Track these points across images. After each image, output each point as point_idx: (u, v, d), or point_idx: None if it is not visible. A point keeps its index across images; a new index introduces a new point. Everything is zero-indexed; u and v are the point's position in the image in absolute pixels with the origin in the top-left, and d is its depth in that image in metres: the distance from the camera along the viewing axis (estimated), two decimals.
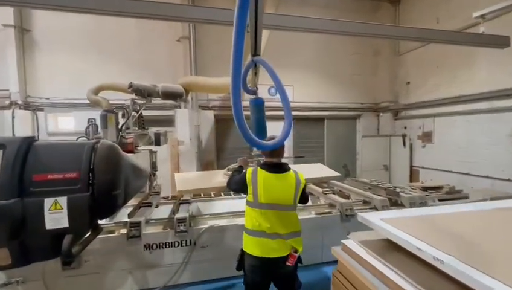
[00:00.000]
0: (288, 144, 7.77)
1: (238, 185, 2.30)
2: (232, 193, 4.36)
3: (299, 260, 2.21)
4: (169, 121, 6.55)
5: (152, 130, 4.58)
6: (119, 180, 2.21)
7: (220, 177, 3.98)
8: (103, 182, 2.04)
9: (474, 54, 5.65)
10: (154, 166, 4.86)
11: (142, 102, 4.42)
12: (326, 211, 3.95)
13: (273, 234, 2.04)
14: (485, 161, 5.46)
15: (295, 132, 7.79)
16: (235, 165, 3.19)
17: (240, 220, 3.59)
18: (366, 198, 4.26)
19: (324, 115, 7.92)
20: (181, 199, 4.02)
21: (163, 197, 4.75)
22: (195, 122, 6.37)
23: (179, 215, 3.22)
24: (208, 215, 3.65)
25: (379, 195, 4.27)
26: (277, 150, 2.21)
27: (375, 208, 4.01)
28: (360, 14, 7.60)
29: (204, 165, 6.78)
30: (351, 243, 1.69)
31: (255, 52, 3.53)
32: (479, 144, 5.57)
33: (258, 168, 2.21)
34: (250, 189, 2.12)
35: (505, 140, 5.07)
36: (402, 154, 7.35)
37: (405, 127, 7.53)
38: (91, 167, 2.00)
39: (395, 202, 4.15)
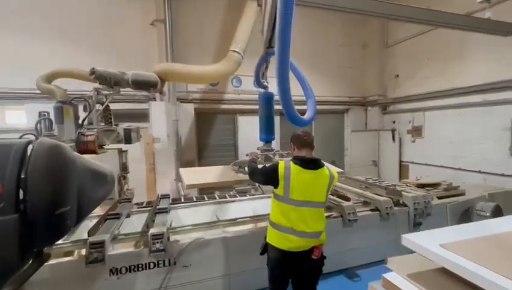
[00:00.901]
0: (276, 140, 7.31)
1: (264, 177, 2.26)
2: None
3: (323, 256, 2.16)
4: (143, 116, 5.80)
5: (122, 126, 3.88)
6: (66, 192, 1.57)
7: (229, 171, 3.68)
8: (41, 198, 1.40)
9: (466, 45, 5.50)
10: (124, 167, 4.16)
11: (108, 92, 3.72)
12: (325, 215, 3.52)
13: (301, 232, 2.01)
14: (477, 155, 5.35)
15: (283, 127, 7.33)
16: (242, 161, 3.44)
17: (232, 230, 3.07)
18: (367, 198, 3.91)
19: None
20: (157, 206, 3.40)
21: (137, 204, 4.08)
22: (173, 117, 5.68)
23: (154, 230, 2.62)
24: (190, 227, 3.06)
25: (379, 195, 3.94)
26: (308, 143, 2.17)
27: (377, 210, 3.66)
28: None
29: (184, 164, 6.12)
30: (395, 277, 1.23)
31: (270, 43, 3.01)
32: (471, 139, 5.45)
33: (291, 163, 2.08)
34: (282, 184, 2.02)
35: (498, 134, 4.96)
36: (391, 149, 7.18)
37: (394, 122, 7.36)
38: (21, 177, 1.36)
39: (396, 202, 3.84)
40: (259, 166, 2.46)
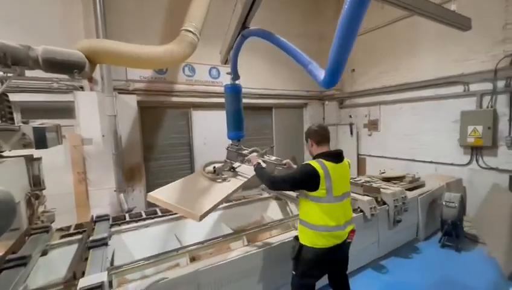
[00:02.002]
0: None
1: (298, 184, 2.03)
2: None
3: None
4: (66, 111, 4.46)
5: (31, 124, 2.72)
6: None
7: (204, 182, 2.70)
8: None
9: (418, 41, 5.73)
10: (37, 182, 2.96)
11: (4, 75, 2.55)
12: None
13: (344, 224, 2.07)
14: (429, 146, 5.66)
15: (250, 122, 6.70)
16: (213, 164, 2.85)
17: (204, 259, 2.33)
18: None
19: (272, 103, 7.09)
20: (91, 237, 2.42)
21: (61, 230, 2.97)
22: (108, 111, 4.49)
23: (86, 280, 1.73)
24: (143, 261, 2.22)
25: (356, 193, 3.69)
26: (328, 137, 2.19)
27: (360, 211, 3.37)
28: None
29: (128, 169, 4.99)
30: None
31: (244, 24, 2.59)
32: (424, 131, 5.74)
33: (323, 160, 2.02)
34: (323, 185, 1.96)
35: (448, 126, 5.28)
36: (349, 143, 7.26)
37: (350, 116, 7.45)
38: None
39: (375, 200, 3.64)
40: (268, 171, 2.33)
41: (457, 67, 5.08)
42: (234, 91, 2.81)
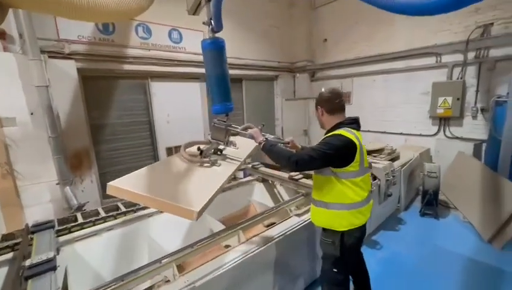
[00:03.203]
0: (203, 111, 5.91)
1: (331, 158, 1.66)
2: None
3: None
4: None
5: None
6: None
7: (188, 167, 1.98)
8: None
9: None
10: None
11: None
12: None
13: (367, 197, 1.87)
14: (400, 119, 5.77)
15: (209, 96, 5.96)
16: (196, 145, 2.21)
17: (196, 270, 1.81)
18: None
19: (242, 74, 6.42)
20: (25, 262, 1.68)
21: None
22: (37, 81, 3.37)
23: None
24: (114, 284, 1.60)
25: None
26: (343, 105, 1.89)
27: None
28: None
29: (73, 156, 3.99)
30: None
31: None
32: (394, 103, 5.80)
33: (352, 129, 1.77)
34: (358, 157, 1.71)
35: (418, 98, 5.39)
36: None
37: (322, 89, 7.22)
38: None
39: None
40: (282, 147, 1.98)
41: (431, 38, 5.07)
42: (216, 47, 1.97)
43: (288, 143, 2.17)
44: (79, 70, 4.03)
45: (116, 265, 1.90)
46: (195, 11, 2.76)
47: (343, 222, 1.78)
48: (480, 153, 4.70)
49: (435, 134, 5.27)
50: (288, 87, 7.51)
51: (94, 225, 2.48)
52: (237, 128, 2.20)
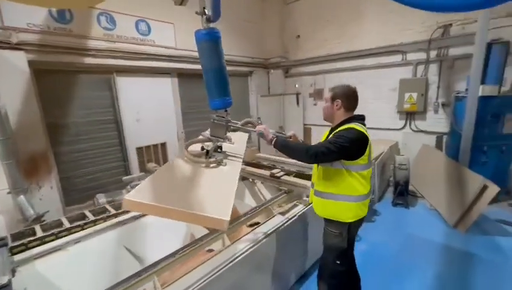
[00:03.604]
0: (176, 109, 5.62)
1: (347, 151, 1.72)
2: None
3: None
4: None
5: None
6: None
7: (195, 170, 1.77)
8: None
9: (361, 9, 5.74)
10: None
11: None
12: (294, 205, 2.68)
13: (371, 189, 1.95)
14: (370, 113, 5.95)
15: (181, 92, 5.68)
16: (195, 143, 2.06)
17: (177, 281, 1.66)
18: None
19: None
20: None
21: None
22: None
23: None
24: None
25: None
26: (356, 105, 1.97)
27: None
28: None
29: (28, 160, 3.52)
30: None
31: None
32: (365, 99, 6.02)
33: (361, 124, 1.84)
34: (368, 151, 1.80)
35: (387, 94, 5.66)
36: (295, 113, 7.18)
37: (296, 85, 7.30)
38: None
39: None
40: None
41: (397, 37, 5.34)
42: (213, 38, 1.82)
43: (290, 137, 2.12)
44: (30, 62, 3.56)
45: (88, 283, 1.68)
46: (182, 0, 2.52)
47: (350, 213, 1.83)
48: (441, 145, 5.08)
49: (402, 128, 5.59)
50: (262, 84, 7.47)
51: (57, 238, 2.20)
52: (237, 124, 2.07)
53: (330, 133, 1.93)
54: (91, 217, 2.65)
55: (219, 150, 2.02)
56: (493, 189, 3.21)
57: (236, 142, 2.15)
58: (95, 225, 2.42)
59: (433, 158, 4.70)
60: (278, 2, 7.06)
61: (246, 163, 3.58)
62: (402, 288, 2.55)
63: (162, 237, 2.40)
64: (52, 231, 2.32)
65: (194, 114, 6.01)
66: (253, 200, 3.42)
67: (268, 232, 2.22)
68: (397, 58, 5.42)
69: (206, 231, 2.24)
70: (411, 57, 5.26)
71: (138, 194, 1.34)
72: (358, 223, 1.93)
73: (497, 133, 4.08)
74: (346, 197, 1.82)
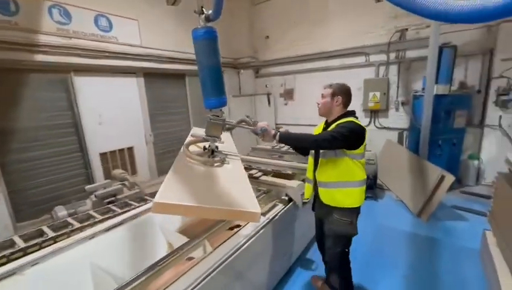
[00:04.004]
0: (143, 110, 5.31)
1: (351, 141, 1.90)
2: None
3: None
4: None
5: None
6: None
7: (204, 170, 1.77)
8: None
9: (327, 12, 5.97)
10: None
11: None
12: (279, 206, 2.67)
13: None
14: None
15: (148, 93, 5.38)
16: (195, 143, 2.08)
17: None
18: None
19: (185, 69, 5.98)
20: None
21: None
22: None
23: None
24: None
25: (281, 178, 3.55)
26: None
27: (289, 200, 3.20)
28: None
29: None
30: None
31: None
32: None
33: (356, 117, 2.06)
34: (365, 141, 2.00)
35: (353, 93, 5.93)
36: (267, 113, 7.23)
37: (266, 85, 7.35)
38: None
39: None
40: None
41: (361, 39, 5.64)
42: (211, 36, 1.83)
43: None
44: None
45: None
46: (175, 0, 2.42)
47: (357, 197, 2.02)
48: (402, 140, 5.49)
49: (367, 125, 5.92)
50: (233, 84, 7.40)
51: (9, 260, 1.93)
52: (232, 122, 2.06)
53: (327, 126, 2.10)
54: (50, 234, 2.38)
55: (216, 149, 1.98)
56: (449, 178, 3.54)
57: (226, 142, 2.13)
58: (55, 242, 2.16)
59: (396, 153, 5.05)
60: (246, 2, 7.04)
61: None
62: (376, 276, 2.69)
63: (136, 249, 2.22)
64: (3, 253, 2.03)
65: (163, 116, 5.74)
66: None
67: (251, 234, 2.18)
68: (361, 59, 5.74)
69: (184, 239, 2.13)
70: (373, 58, 5.60)
71: (166, 196, 1.31)
72: (359, 210, 2.11)
73: (449, 127, 4.53)
74: (351, 183, 1.99)
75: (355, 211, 2.06)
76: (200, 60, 1.83)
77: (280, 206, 2.64)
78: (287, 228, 2.69)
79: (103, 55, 4.36)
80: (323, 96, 2.17)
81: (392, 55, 5.36)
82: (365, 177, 2.05)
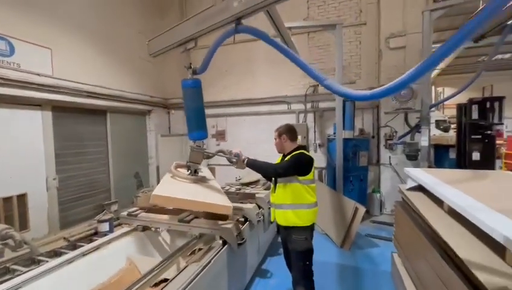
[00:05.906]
0: (46, 150, 4.44)
1: (301, 169, 2.33)
2: None
3: None
4: None
5: None
6: None
7: (191, 184, 2.60)
8: None
9: (254, 64, 6.72)
10: None
11: None
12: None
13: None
14: (263, 152, 6.69)
15: (56, 129, 4.62)
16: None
17: None
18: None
19: (105, 105, 5.46)
20: None
21: None
22: None
23: None
24: None
25: (235, 202, 3.54)
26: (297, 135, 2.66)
27: (246, 220, 3.21)
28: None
29: None
30: None
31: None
32: (262, 140, 6.72)
33: (305, 151, 2.48)
34: (313, 170, 2.42)
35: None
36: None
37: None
38: None
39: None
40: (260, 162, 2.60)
41: (283, 90, 6.46)
42: (196, 86, 2.68)
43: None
44: None
45: None
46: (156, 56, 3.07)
47: (308, 218, 2.36)
48: (322, 177, 6.17)
49: None
50: (163, 123, 7.14)
51: None
52: (211, 152, 2.69)
53: (283, 158, 2.54)
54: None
55: (196, 173, 2.68)
56: (362, 210, 4.08)
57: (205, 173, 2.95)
58: (17, 275, 1.40)
59: (319, 189, 5.57)
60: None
61: (147, 209, 3.12)
62: None
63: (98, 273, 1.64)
64: None
65: (73, 156, 4.93)
66: (158, 253, 2.95)
67: (181, 287, 1.92)
68: (284, 107, 6.49)
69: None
70: (294, 107, 6.42)
71: (163, 190, 2.11)
72: (313, 227, 2.46)
73: (356, 166, 5.37)
74: (304, 205, 2.34)
75: (308, 229, 2.40)
76: (187, 103, 2.59)
77: (215, 249, 2.46)
78: (226, 267, 2.49)
79: (5, 83, 3.63)
80: (275, 138, 2.61)
81: (309, 105, 6.27)
82: (315, 200, 2.41)
